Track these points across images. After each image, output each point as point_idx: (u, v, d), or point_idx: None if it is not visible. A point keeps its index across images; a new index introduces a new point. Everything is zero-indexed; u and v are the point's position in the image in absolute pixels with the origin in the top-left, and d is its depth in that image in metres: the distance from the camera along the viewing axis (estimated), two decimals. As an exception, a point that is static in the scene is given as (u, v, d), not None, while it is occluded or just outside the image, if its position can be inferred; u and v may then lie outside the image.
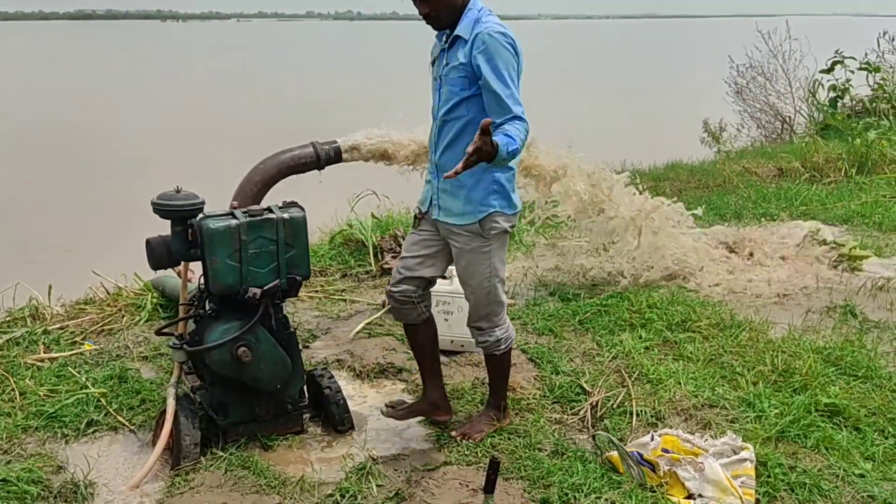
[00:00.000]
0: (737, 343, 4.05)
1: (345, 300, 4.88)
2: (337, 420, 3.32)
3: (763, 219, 6.42)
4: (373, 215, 5.92)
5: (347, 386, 3.75)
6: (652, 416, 3.38)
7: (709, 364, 3.85)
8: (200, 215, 2.96)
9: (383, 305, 4.58)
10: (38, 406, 3.39)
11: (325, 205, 6.29)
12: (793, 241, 5.66)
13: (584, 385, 3.62)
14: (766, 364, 3.78)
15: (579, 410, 3.46)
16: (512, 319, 4.37)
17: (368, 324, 4.28)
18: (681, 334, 4.16)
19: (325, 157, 4.00)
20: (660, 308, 4.44)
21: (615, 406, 3.45)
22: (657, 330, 4.19)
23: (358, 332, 4.20)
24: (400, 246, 5.43)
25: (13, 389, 3.51)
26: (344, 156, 4.09)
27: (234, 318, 3.03)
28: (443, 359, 3.90)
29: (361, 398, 3.65)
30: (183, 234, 2.97)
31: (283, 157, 3.87)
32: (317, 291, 5.05)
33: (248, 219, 2.94)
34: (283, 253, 3.01)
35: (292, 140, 4.14)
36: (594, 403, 3.48)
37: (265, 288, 2.98)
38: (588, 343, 4.11)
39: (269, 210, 3.03)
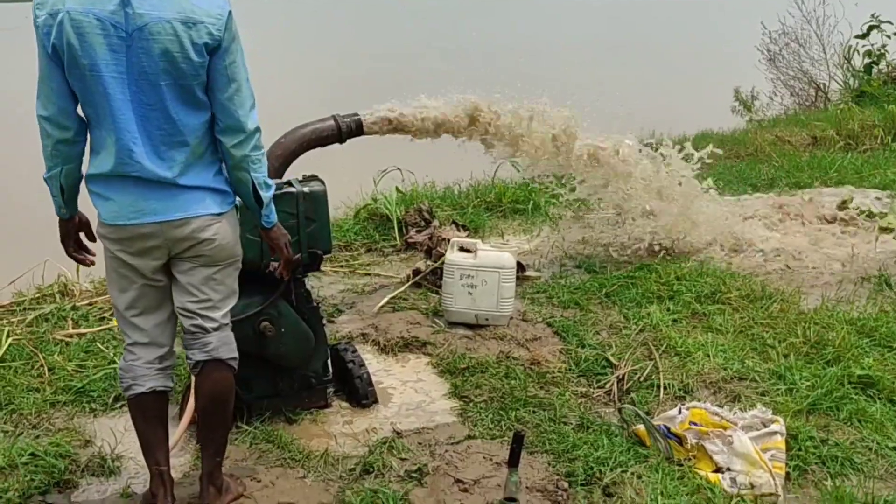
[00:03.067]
0: (768, 314, 3.96)
1: (369, 274, 4.87)
2: (361, 394, 3.31)
3: (796, 188, 6.27)
4: (397, 189, 5.89)
5: (372, 360, 3.74)
6: (679, 390, 3.32)
7: (739, 336, 3.78)
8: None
9: (407, 279, 4.56)
10: (67, 381, 3.43)
11: (350, 180, 6.26)
12: (827, 210, 5.52)
13: (611, 358, 3.57)
14: (798, 336, 3.70)
15: (605, 384, 3.42)
16: (537, 293, 4.37)
17: (393, 298, 4.26)
18: (710, 306, 4.08)
19: (346, 130, 3.96)
20: (688, 280, 4.36)
21: (642, 379, 3.41)
22: (685, 302, 4.11)
23: (382, 307, 4.18)
24: (425, 220, 5.40)
25: (42, 365, 3.55)
26: (366, 129, 4.04)
27: (256, 293, 3.01)
28: (468, 332, 3.89)
29: (386, 372, 3.64)
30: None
31: (304, 130, 3.84)
32: (342, 266, 5.04)
33: (269, 193, 2.92)
34: (303, 227, 2.99)
35: (314, 114, 4.11)
36: (621, 377, 3.44)
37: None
38: (615, 316, 4.06)
39: (289, 184, 3.01)
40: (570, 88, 5.90)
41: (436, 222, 5.37)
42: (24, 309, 4.22)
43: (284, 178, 3.61)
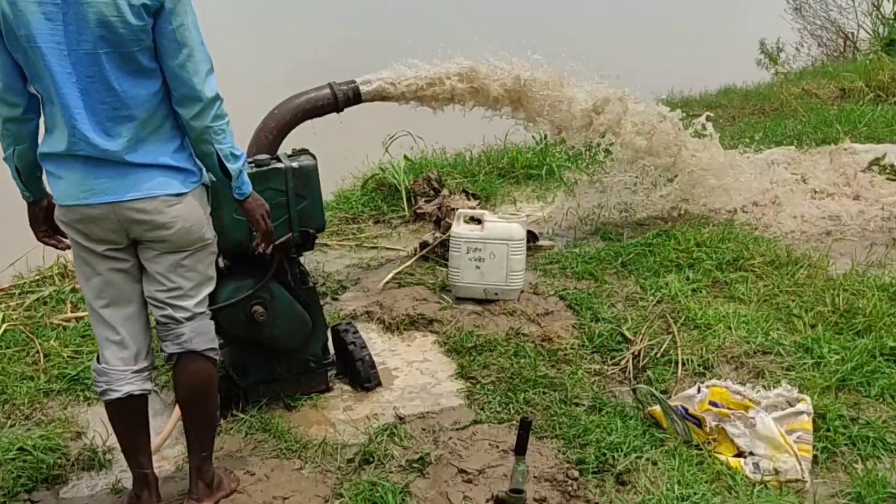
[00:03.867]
0: (793, 282, 3.75)
1: (376, 247, 4.70)
2: (363, 377, 3.16)
3: (824, 143, 5.97)
4: (406, 157, 5.69)
5: (377, 339, 3.60)
6: (699, 365, 3.14)
7: (762, 305, 3.57)
8: (204, 168, 2.77)
9: (414, 253, 4.39)
10: (61, 369, 3.31)
11: (357, 148, 6.08)
12: (857, 167, 5.24)
13: (626, 333, 3.39)
14: (826, 304, 3.49)
15: (620, 360, 3.24)
16: (550, 263, 4.18)
17: (398, 273, 4.09)
18: (732, 274, 3.87)
19: (343, 99, 3.76)
20: (709, 246, 4.14)
21: (659, 355, 3.22)
22: (706, 270, 3.90)
23: (387, 283, 4.02)
24: (434, 189, 5.21)
25: (38, 352, 3.45)
26: (364, 97, 3.84)
27: (247, 276, 2.86)
28: (476, 308, 3.72)
29: (391, 352, 3.49)
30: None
31: (299, 100, 3.65)
32: (349, 239, 4.88)
33: (255, 169, 2.74)
34: (294, 204, 2.82)
35: (309, 83, 3.91)
36: (636, 353, 3.25)
37: (277, 242, 2.79)
38: (631, 287, 3.86)
39: (277, 159, 2.83)
40: (586, 45, 5.63)
41: (445, 191, 5.18)
42: (23, 292, 4.12)
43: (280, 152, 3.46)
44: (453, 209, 4.79)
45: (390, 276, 4.04)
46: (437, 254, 4.33)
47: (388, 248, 4.67)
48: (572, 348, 3.34)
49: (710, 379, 2.98)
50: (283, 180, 2.79)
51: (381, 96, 3.88)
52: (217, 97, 2.12)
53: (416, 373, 3.31)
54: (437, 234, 4.48)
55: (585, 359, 3.28)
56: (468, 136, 6.18)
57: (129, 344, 2.26)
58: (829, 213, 4.68)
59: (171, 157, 2.14)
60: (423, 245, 4.37)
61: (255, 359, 3.02)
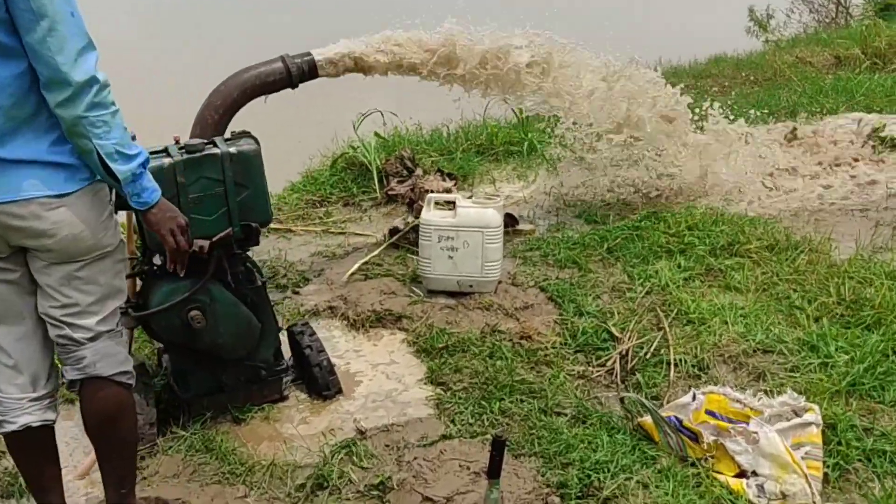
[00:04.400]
0: (794, 268, 3.44)
1: (344, 233, 4.36)
2: (321, 384, 2.84)
3: (820, 115, 5.64)
4: (377, 134, 5.32)
5: (340, 338, 3.27)
6: (693, 367, 2.83)
7: (761, 296, 3.27)
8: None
9: (384, 240, 4.05)
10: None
11: (326, 125, 5.71)
12: (855, 138, 4.93)
13: (613, 329, 3.08)
14: (831, 294, 3.18)
15: (606, 361, 2.93)
16: (530, 250, 3.85)
17: (365, 264, 3.76)
18: (727, 260, 3.56)
19: (297, 73, 3.39)
20: (701, 230, 3.82)
21: (649, 355, 2.91)
22: (699, 256, 3.59)
23: (353, 274, 3.68)
24: (407, 169, 4.86)
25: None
26: (320, 70, 3.47)
27: (183, 277, 2.52)
28: (449, 301, 3.39)
29: (355, 353, 3.17)
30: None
31: (247, 75, 3.28)
32: (315, 223, 4.54)
33: (185, 156, 2.39)
34: (233, 195, 2.47)
35: (261, 55, 3.53)
36: (624, 352, 2.94)
37: (214, 239, 2.45)
38: (618, 275, 3.54)
39: (213, 144, 2.47)
40: (573, 13, 5.26)
41: (419, 171, 4.83)
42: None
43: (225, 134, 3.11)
44: (428, 191, 4.45)
45: (356, 266, 3.71)
46: (408, 241, 4.00)
47: (356, 234, 4.33)
48: (553, 347, 3.03)
49: (706, 384, 2.68)
50: (219, 168, 2.44)
51: (340, 70, 3.51)
52: (93, 80, 1.73)
53: (381, 377, 2.99)
54: (409, 219, 4.14)
55: (568, 359, 2.96)
56: (445, 110, 5.79)
57: (23, 368, 1.92)
58: (823, 188, 4.37)
59: (50, 151, 1.78)
60: (393, 231, 4.03)
61: (198, 367, 2.70)
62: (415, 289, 3.53)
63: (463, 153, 5.33)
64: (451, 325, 3.21)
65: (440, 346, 3.05)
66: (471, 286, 3.41)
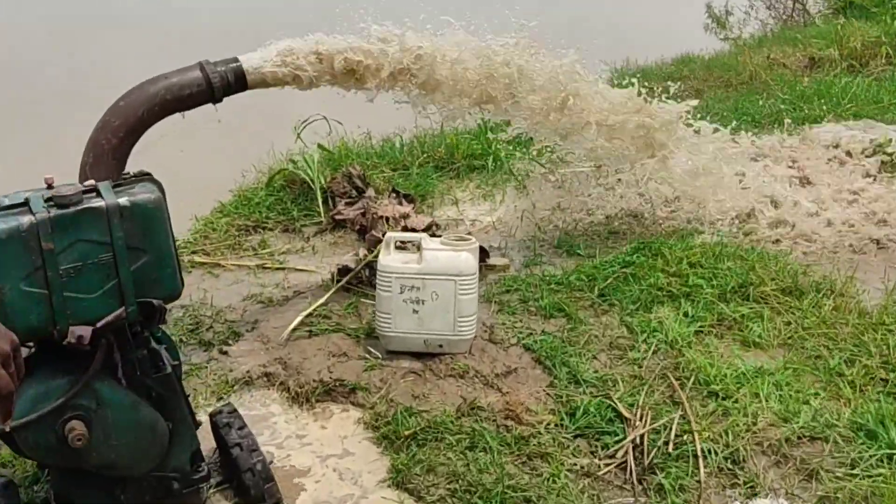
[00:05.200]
0: (820, 318, 2.92)
1: (284, 268, 3.68)
2: (254, 495, 2.18)
3: (807, 123, 5.18)
4: (320, 146, 4.65)
5: (279, 418, 2.62)
6: (727, 459, 2.27)
7: (789, 355, 2.73)
8: (-31, 210, 1.72)
9: (332, 279, 3.39)
10: None
11: (261, 135, 5.01)
12: (853, 154, 4.46)
13: (619, 405, 2.49)
14: (871, 354, 2.67)
15: (616, 451, 2.34)
16: (507, 292, 3.26)
17: (309, 316, 3.09)
18: (740, 307, 3.02)
19: (220, 85, 2.70)
20: (705, 267, 3.27)
21: (669, 442, 2.33)
22: (707, 302, 3.03)
23: (295, 330, 3.02)
24: (356, 189, 4.21)
25: None
26: (250, 81, 2.79)
27: (59, 374, 1.83)
28: (414, 365, 2.77)
29: (298, 439, 2.51)
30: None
31: (156, 87, 2.57)
32: (249, 255, 3.85)
33: (54, 212, 1.70)
34: (124, 263, 1.79)
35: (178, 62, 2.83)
36: (637, 438, 2.36)
37: (99, 325, 1.78)
38: (615, 328, 2.96)
39: (94, 192, 1.78)
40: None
41: (371, 192, 4.18)
42: None
43: (132, 165, 2.44)
44: (380, 217, 3.82)
45: (298, 320, 3.03)
46: (360, 280, 3.36)
47: (298, 270, 3.66)
48: (548, 430, 2.43)
49: (748, 486, 2.12)
50: (104, 227, 1.75)
51: (275, 79, 2.84)
52: None
53: (332, 476, 2.34)
54: (361, 254, 3.50)
55: (567, 449, 2.36)
56: (398, 118, 5.15)
57: None
58: (829, 219, 3.86)
59: None
60: (343, 271, 3.37)
61: (87, 486, 2.01)
62: (370, 349, 2.88)
63: (419, 168, 4.70)
64: (419, 401, 2.59)
65: (406, 432, 2.41)
66: (440, 346, 2.79)
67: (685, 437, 2.34)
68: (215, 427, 2.32)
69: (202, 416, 2.54)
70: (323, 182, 4.29)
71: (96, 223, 1.74)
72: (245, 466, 2.19)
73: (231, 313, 3.26)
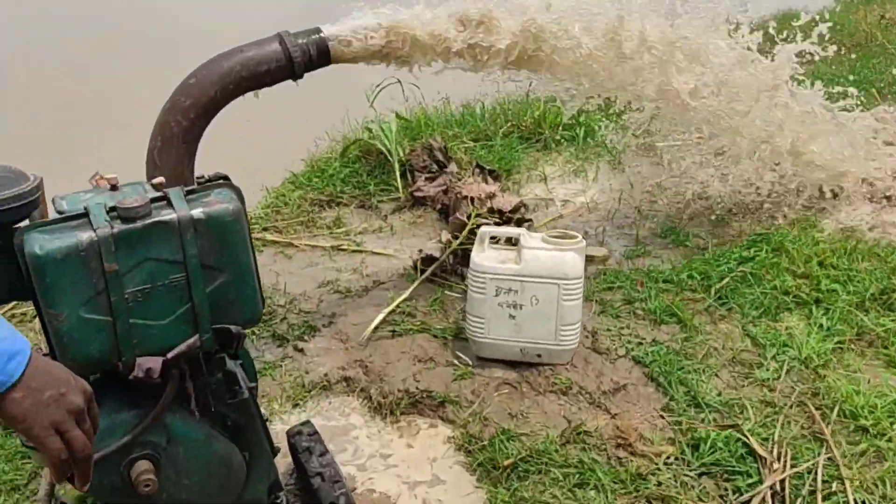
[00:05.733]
0: (982, 334, 2.51)
1: (361, 251, 3.42)
2: (337, 532, 1.95)
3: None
4: (398, 116, 4.33)
5: (361, 431, 2.37)
6: (886, 515, 1.93)
7: (949, 381, 2.35)
8: (24, 223, 1.46)
9: (415, 268, 3.11)
10: None
11: (335, 100, 4.71)
12: None
13: (750, 438, 2.16)
14: None
15: (751, 498, 2.02)
16: (608, 289, 2.94)
17: (391, 313, 2.82)
18: (884, 318, 2.63)
19: (300, 60, 2.39)
20: (836, 267, 2.88)
21: (816, 492, 2.00)
22: (844, 312, 2.65)
23: (376, 329, 2.75)
24: (437, 163, 3.90)
25: None
26: (334, 54, 2.47)
27: (125, 406, 1.59)
28: (509, 375, 2.48)
29: (382, 460, 2.27)
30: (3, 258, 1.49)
31: (229, 63, 2.28)
32: (323, 234, 3.60)
33: (119, 226, 1.44)
34: (198, 284, 1.52)
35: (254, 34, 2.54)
36: (777, 485, 2.03)
37: (170, 355, 1.52)
38: (737, 339, 2.61)
39: (164, 201, 1.51)
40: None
41: (453, 166, 3.87)
42: None
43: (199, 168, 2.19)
44: (464, 197, 3.50)
45: (379, 319, 2.77)
46: (445, 270, 3.08)
47: (376, 253, 3.40)
48: (668, 465, 2.12)
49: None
50: (175, 243, 1.48)
51: (366, 53, 2.52)
52: None
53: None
54: (443, 238, 3.21)
55: (692, 490, 2.05)
56: (479, 82, 4.79)
57: None
58: None
59: None
60: (427, 260, 3.09)
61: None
62: (459, 354, 2.61)
63: (503, 138, 4.35)
64: (518, 421, 2.30)
65: (506, 461, 2.14)
66: (539, 356, 2.49)
67: (834, 485, 2.00)
68: (293, 449, 2.08)
69: (277, 425, 2.33)
70: (401, 154, 4.00)
71: (167, 239, 1.47)
72: (327, 500, 1.96)
73: (306, 302, 3.02)
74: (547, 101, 4.52)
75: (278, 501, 1.93)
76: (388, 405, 2.43)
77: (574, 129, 4.36)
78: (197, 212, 1.49)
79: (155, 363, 1.51)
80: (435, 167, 3.89)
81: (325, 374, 2.58)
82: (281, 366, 2.65)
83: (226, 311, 1.57)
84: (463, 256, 3.10)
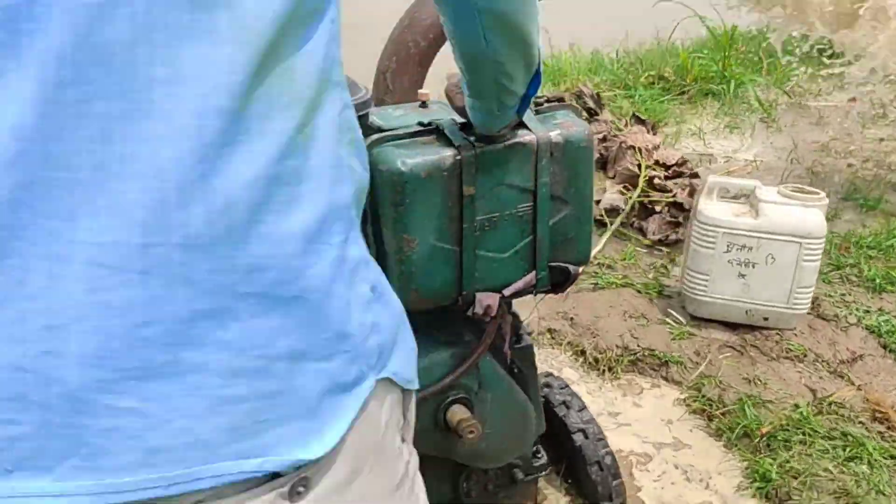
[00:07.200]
0: None
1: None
2: (600, 494, 1.82)
3: None
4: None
5: (579, 385, 2.23)
6: None
7: None
8: (373, 136, 1.30)
9: (601, 220, 2.94)
10: None
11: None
12: None
13: None
14: None
15: None
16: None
17: (589, 265, 2.67)
18: None
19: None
20: None
21: None
22: None
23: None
24: (588, 111, 3.70)
25: None
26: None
27: (441, 345, 1.45)
28: (730, 338, 2.33)
29: (612, 417, 2.13)
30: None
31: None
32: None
33: (480, 147, 1.28)
34: (544, 216, 1.36)
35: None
36: None
37: (507, 292, 1.38)
38: (969, 311, 2.45)
39: (521, 125, 1.34)
40: None
41: (606, 114, 3.68)
42: None
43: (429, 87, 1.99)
44: (629, 147, 3.32)
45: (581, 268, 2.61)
46: (630, 223, 2.92)
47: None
48: (933, 445, 1.97)
49: None
50: (529, 169, 1.32)
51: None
52: None
53: (674, 474, 1.95)
54: (623, 192, 3.04)
55: (968, 473, 1.91)
56: (605, 25, 4.57)
57: None
58: None
59: None
60: (612, 211, 2.92)
61: (432, 474, 1.66)
62: (670, 310, 2.45)
63: (644, 89, 4.14)
64: (755, 386, 2.15)
65: (764, 429, 1.99)
66: (766, 319, 2.33)
67: None
68: (547, 402, 1.94)
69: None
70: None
71: (523, 164, 1.31)
72: (592, 459, 1.82)
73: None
74: (691, 50, 4.30)
75: (540, 457, 1.80)
76: (605, 361, 2.28)
77: (721, 82, 4.14)
78: (555, 133, 1.33)
79: (493, 300, 1.38)
80: (586, 115, 3.69)
81: (527, 322, 2.43)
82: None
83: (562, 248, 1.42)
84: (639, 209, 2.94)
